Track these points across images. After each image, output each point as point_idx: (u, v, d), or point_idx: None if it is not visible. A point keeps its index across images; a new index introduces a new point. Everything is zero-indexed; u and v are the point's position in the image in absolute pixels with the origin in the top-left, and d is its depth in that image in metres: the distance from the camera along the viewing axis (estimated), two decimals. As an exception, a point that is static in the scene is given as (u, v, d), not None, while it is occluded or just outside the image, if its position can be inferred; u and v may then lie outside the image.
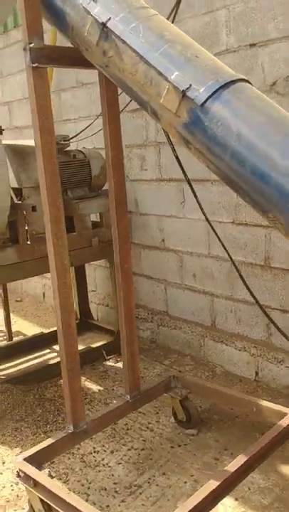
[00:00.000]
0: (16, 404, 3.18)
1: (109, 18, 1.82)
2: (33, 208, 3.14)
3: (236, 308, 3.29)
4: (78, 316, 4.35)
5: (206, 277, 3.46)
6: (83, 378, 3.53)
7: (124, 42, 1.79)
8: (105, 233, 3.68)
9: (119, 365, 3.64)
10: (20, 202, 3.25)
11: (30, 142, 3.60)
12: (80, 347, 3.98)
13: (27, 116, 4.23)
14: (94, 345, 3.84)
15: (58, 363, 3.64)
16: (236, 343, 3.34)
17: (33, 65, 2.04)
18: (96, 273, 4.47)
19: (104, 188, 3.83)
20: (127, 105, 3.21)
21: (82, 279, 4.26)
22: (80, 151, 3.77)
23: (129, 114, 3.68)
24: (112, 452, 2.69)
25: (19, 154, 3.29)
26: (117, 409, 2.61)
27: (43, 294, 5.29)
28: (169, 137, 2.77)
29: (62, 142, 3.65)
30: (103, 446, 2.74)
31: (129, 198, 3.67)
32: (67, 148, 3.74)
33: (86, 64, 2.06)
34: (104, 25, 1.83)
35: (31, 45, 2.02)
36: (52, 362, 3.69)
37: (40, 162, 2.16)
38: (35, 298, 5.44)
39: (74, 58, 2.12)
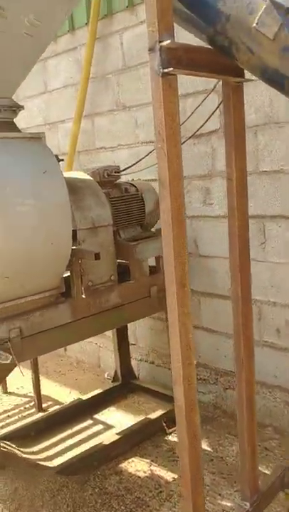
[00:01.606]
0: (76, 506, 2.49)
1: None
2: (96, 256, 2.52)
3: None
4: (119, 376, 3.70)
5: (291, 332, 2.90)
6: (147, 461, 2.88)
7: None
8: (164, 280, 3.08)
9: (185, 440, 2.99)
10: (76, 247, 2.63)
11: (81, 175, 3.03)
12: (129, 416, 3.34)
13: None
14: (151, 416, 3.18)
15: (113, 443, 3.02)
16: None
17: (164, 71, 1.48)
18: (136, 323, 3.84)
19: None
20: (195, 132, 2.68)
21: (122, 330, 3.63)
22: (131, 183, 3.20)
23: (190, 141, 3.14)
24: None
25: (71, 189, 2.68)
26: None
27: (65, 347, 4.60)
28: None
29: (114, 174, 3.07)
30: None
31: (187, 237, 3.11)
32: (117, 181, 3.17)
33: (234, 71, 1.52)
34: (289, 11, 1.29)
35: (163, 44, 1.46)
36: (104, 441, 3.00)
37: (166, 204, 1.56)
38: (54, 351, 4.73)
39: (217, 63, 1.57)
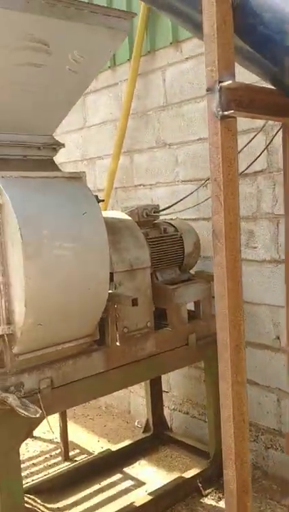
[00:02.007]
0: None
1: None
2: (134, 302, 2.36)
3: None
4: (151, 426, 3.48)
5: None
6: (181, 527, 2.62)
7: None
8: (204, 327, 2.90)
9: (223, 504, 2.74)
10: (112, 291, 2.47)
11: (119, 214, 2.91)
12: (162, 472, 3.11)
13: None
14: (186, 475, 2.94)
15: (144, 505, 2.77)
16: None
17: (223, 113, 1.34)
18: (170, 369, 3.63)
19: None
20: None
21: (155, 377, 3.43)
22: (170, 223, 3.06)
23: (233, 181, 2.99)
24: None
25: (110, 229, 2.55)
26: None
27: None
28: None
29: (153, 214, 2.94)
30: None
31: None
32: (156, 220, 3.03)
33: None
34: None
35: (223, 85, 1.33)
36: (135, 502, 2.75)
37: (220, 257, 1.40)
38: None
39: (278, 105, 1.43)
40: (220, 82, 1.32)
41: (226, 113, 1.33)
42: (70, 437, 3.44)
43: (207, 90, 1.36)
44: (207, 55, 1.33)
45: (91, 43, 2.33)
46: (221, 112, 1.33)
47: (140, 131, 3.64)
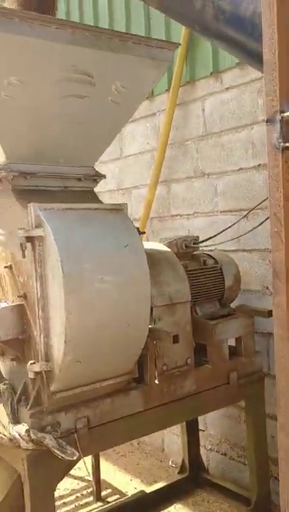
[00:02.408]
0: None
1: None
2: (175, 338, 2.25)
3: None
4: (186, 466, 3.32)
5: None
6: None
7: None
8: (246, 365, 2.77)
9: None
10: (151, 326, 2.38)
11: (158, 246, 2.83)
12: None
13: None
14: (226, 523, 2.77)
15: None
16: None
17: (285, 145, 1.25)
18: (206, 406, 3.48)
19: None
20: None
21: (191, 415, 3.28)
22: (209, 255, 2.96)
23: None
24: None
25: (149, 262, 2.47)
26: None
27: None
28: None
29: (192, 245, 2.85)
30: None
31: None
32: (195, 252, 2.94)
33: None
34: None
35: (284, 115, 1.25)
36: None
37: (281, 299, 1.30)
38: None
39: None
40: (281, 112, 1.25)
41: (287, 144, 1.25)
42: (102, 475, 3.31)
43: (267, 121, 1.28)
44: (267, 84, 1.26)
45: (134, 74, 2.31)
46: (282, 144, 1.25)
47: (178, 160, 3.59)
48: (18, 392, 2.14)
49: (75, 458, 1.98)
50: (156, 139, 3.74)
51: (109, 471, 3.59)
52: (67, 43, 2.05)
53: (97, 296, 2.01)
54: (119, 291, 2.07)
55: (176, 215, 3.66)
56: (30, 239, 1.99)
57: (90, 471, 3.21)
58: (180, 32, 3.39)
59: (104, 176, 2.47)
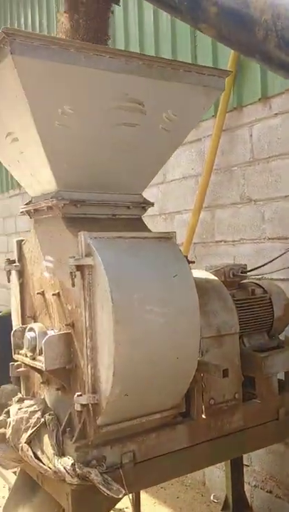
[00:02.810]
0: None
1: None
2: (225, 373, 2.17)
3: None
4: (230, 503, 3.18)
5: None
6: None
7: None
8: (295, 400, 2.65)
9: None
10: (199, 359, 2.30)
11: (205, 274, 2.77)
12: None
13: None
14: None
15: None
16: None
17: None
18: (251, 440, 3.35)
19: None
20: None
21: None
22: (257, 284, 2.88)
23: None
24: None
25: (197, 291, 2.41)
26: None
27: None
28: None
29: (240, 274, 2.78)
30: None
31: None
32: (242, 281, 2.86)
33: None
34: None
35: None
36: None
37: None
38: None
39: None
40: None
41: None
42: (141, 508, 3.21)
43: None
44: None
45: (185, 102, 2.29)
46: None
47: (223, 186, 3.55)
48: (63, 424, 2.10)
49: (120, 496, 1.92)
50: (201, 165, 3.71)
51: (149, 504, 3.48)
52: (121, 72, 2.05)
53: (147, 327, 1.96)
54: (168, 322, 2.02)
55: (221, 241, 3.59)
56: (80, 267, 1.97)
57: (130, 503, 3.12)
58: (227, 57, 3.38)
59: (152, 204, 2.45)
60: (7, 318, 5.99)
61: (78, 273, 1.97)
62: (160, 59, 2.27)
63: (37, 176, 2.24)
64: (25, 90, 1.89)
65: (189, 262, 2.27)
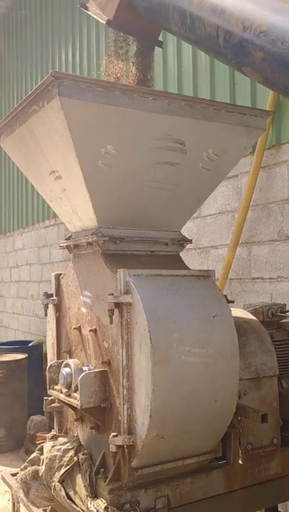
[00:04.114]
0: None
1: None
2: (264, 418, 2.10)
3: None
4: None
5: None
6: None
7: None
8: None
9: None
10: (237, 402, 2.24)
11: (243, 313, 2.73)
12: None
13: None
14: None
15: None
16: None
17: None
18: None
19: None
20: None
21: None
22: (296, 324, 2.81)
23: None
24: None
25: (235, 331, 2.36)
26: None
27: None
28: None
29: (279, 314, 2.72)
30: None
31: None
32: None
33: None
34: None
35: None
36: None
37: None
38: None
39: None
40: None
41: None
42: None
43: None
44: None
45: (226, 141, 2.30)
46: None
47: (261, 222, 3.52)
48: (97, 464, 2.06)
49: None
50: (237, 200, 3.71)
51: None
52: (163, 113, 2.08)
53: (185, 368, 1.93)
54: (207, 364, 1.98)
55: (258, 278, 3.55)
56: (118, 305, 1.96)
57: None
58: (266, 95, 3.40)
59: (190, 241, 2.44)
60: (39, 346, 6.07)
61: (116, 310, 1.96)
62: (202, 100, 2.30)
63: (78, 213, 2.27)
64: (70, 130, 1.93)
65: (228, 302, 2.23)
